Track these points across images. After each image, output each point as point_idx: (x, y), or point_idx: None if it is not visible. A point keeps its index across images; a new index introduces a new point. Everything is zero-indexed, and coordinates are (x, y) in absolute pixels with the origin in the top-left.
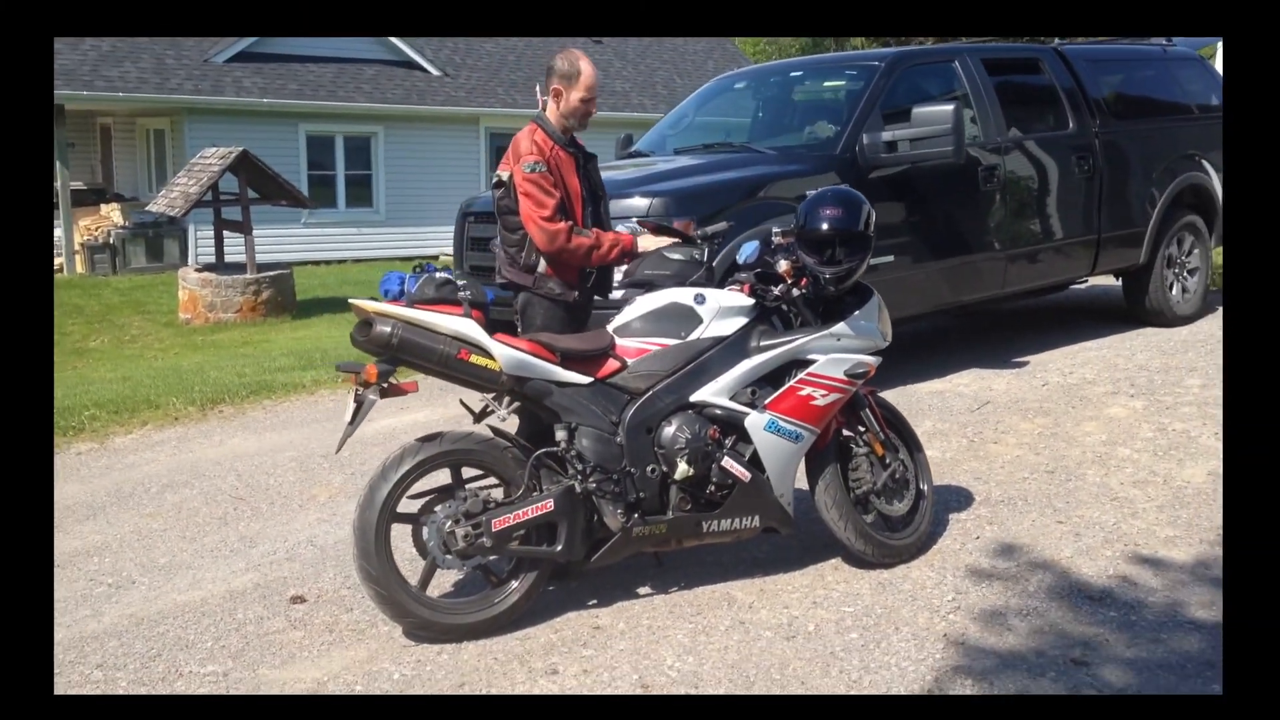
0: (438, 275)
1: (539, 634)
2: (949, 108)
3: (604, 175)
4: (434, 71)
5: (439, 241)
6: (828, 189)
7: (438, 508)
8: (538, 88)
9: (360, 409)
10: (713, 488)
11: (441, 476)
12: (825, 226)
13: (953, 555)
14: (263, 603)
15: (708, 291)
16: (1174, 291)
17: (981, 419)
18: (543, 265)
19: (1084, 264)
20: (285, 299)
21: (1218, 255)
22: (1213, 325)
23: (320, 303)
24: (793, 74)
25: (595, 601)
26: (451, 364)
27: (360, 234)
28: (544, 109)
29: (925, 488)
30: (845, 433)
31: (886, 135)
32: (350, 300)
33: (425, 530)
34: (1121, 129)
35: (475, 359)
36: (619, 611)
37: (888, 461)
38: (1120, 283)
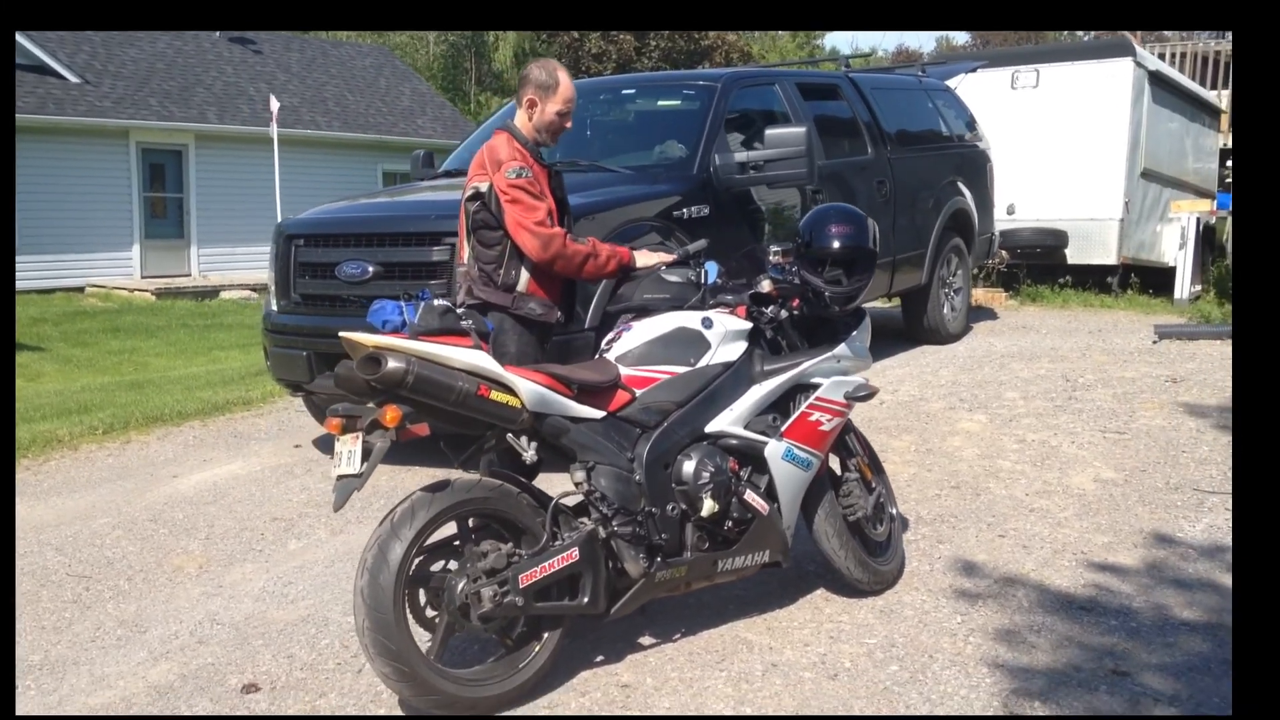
0: (436, 303)
1: (565, 699)
2: (801, 130)
3: (438, 196)
4: (72, 78)
5: (85, 270)
6: (829, 206)
7: (451, 566)
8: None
9: (370, 457)
10: (730, 523)
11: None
12: (836, 245)
13: (928, 577)
14: (205, 695)
15: (714, 315)
16: (945, 310)
17: None
18: (523, 283)
19: (883, 285)
20: None
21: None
22: (977, 341)
23: None
24: (624, 92)
25: (602, 657)
26: (470, 402)
27: None
28: (513, 118)
29: (895, 511)
30: (833, 457)
31: (740, 156)
32: (342, 334)
33: (444, 592)
34: (904, 156)
35: (495, 395)
36: (636, 665)
37: (873, 486)
38: (898, 303)
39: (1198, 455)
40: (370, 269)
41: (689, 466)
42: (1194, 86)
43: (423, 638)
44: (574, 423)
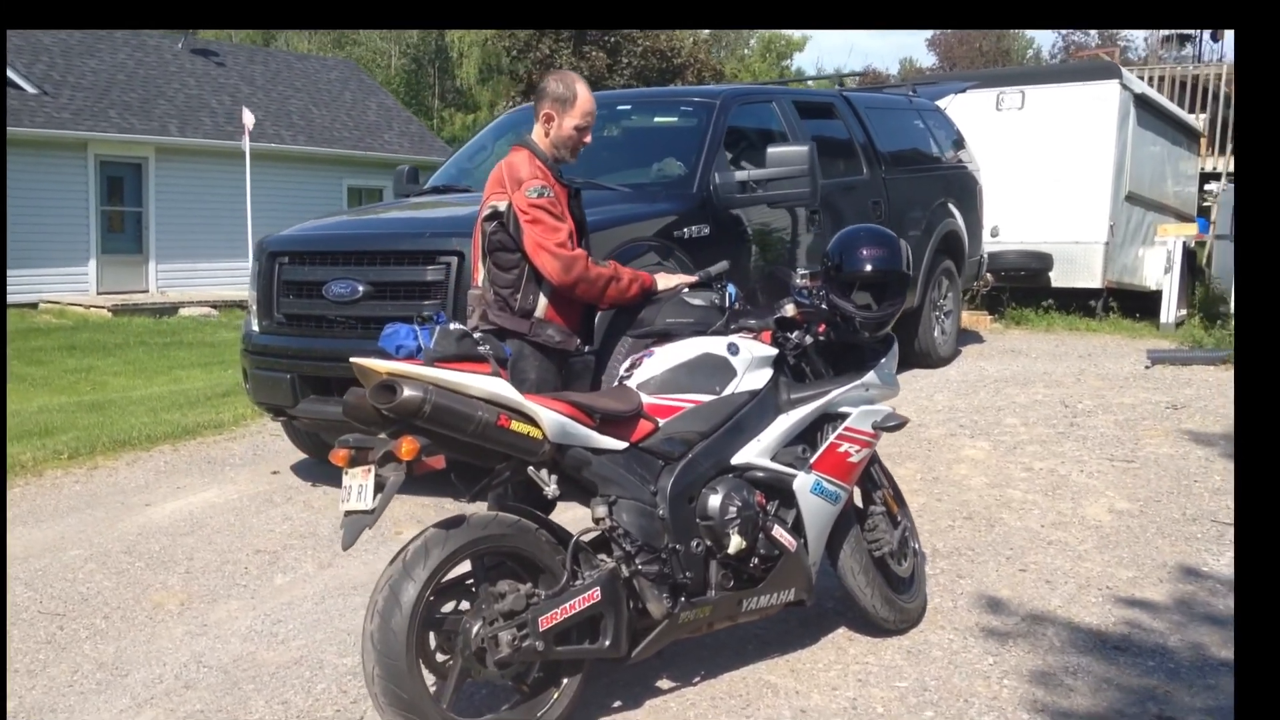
0: (452, 327)
1: None
2: (804, 148)
3: (430, 214)
4: (29, 89)
5: (38, 285)
6: (859, 227)
7: (463, 606)
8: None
9: (383, 492)
10: (756, 560)
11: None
12: (869, 268)
13: (953, 615)
14: None
15: (739, 340)
16: (936, 333)
17: None
18: (541, 308)
19: None
20: None
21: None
22: (968, 365)
23: None
24: (620, 107)
25: (619, 702)
26: (490, 433)
27: None
28: (531, 133)
29: (917, 545)
30: (856, 489)
31: (741, 175)
32: (354, 360)
33: (458, 636)
34: (898, 177)
35: (516, 426)
36: (657, 712)
37: (898, 519)
38: None
39: (1210, 485)
40: (360, 288)
41: (715, 501)
42: (1175, 109)
43: (430, 682)
44: (596, 454)
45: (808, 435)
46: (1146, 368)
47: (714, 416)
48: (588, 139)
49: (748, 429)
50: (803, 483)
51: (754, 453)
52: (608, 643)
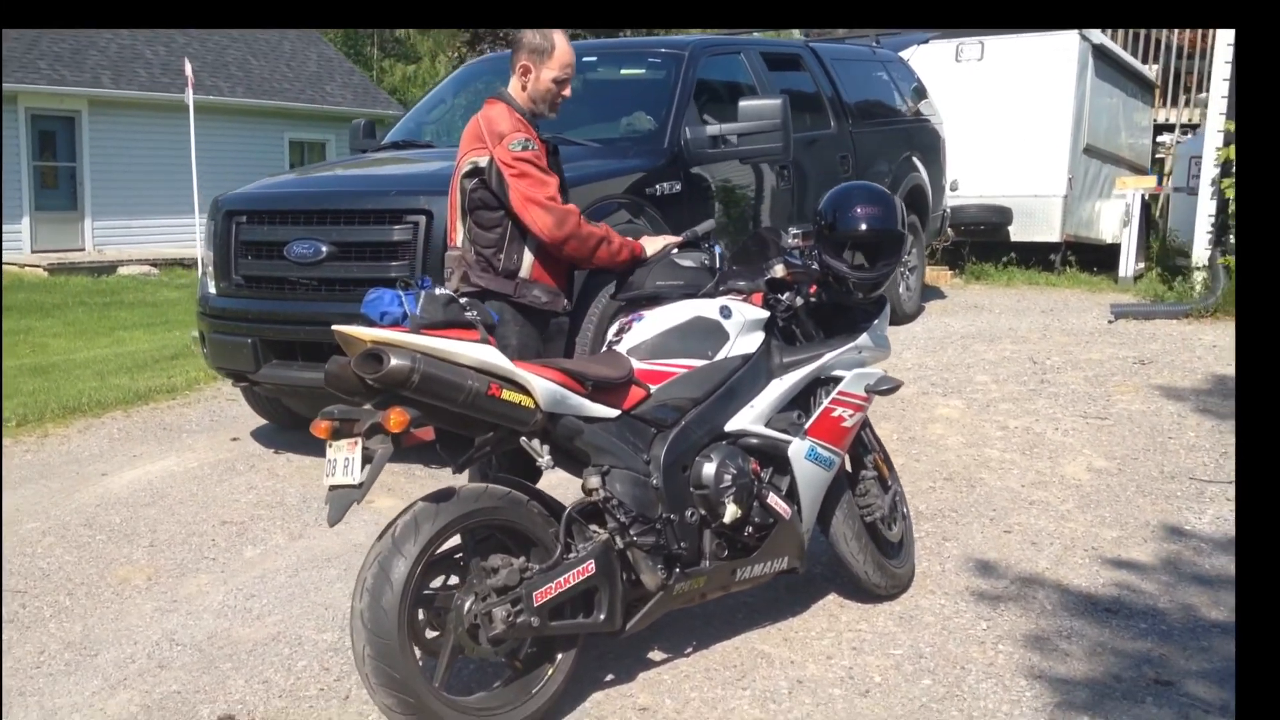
0: (438, 292)
1: None
2: (777, 102)
3: (395, 170)
4: None
5: None
6: (852, 184)
7: (451, 581)
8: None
9: (371, 465)
10: (750, 529)
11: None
12: (864, 227)
13: (942, 579)
14: None
15: (732, 303)
16: (901, 290)
17: None
18: (526, 268)
19: None
20: None
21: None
22: (933, 321)
23: None
24: (585, 59)
25: (612, 676)
26: (480, 403)
27: None
28: (508, 87)
29: (905, 509)
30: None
31: (712, 129)
32: (335, 328)
33: (449, 614)
34: (865, 130)
35: (507, 395)
36: (651, 685)
37: (888, 484)
38: None
39: (1185, 442)
40: (324, 249)
41: (709, 469)
42: (1131, 60)
43: (420, 659)
44: (588, 423)
45: (800, 399)
46: (1110, 322)
47: (707, 382)
48: (567, 92)
49: (741, 394)
50: (797, 449)
51: (748, 419)
52: (602, 616)
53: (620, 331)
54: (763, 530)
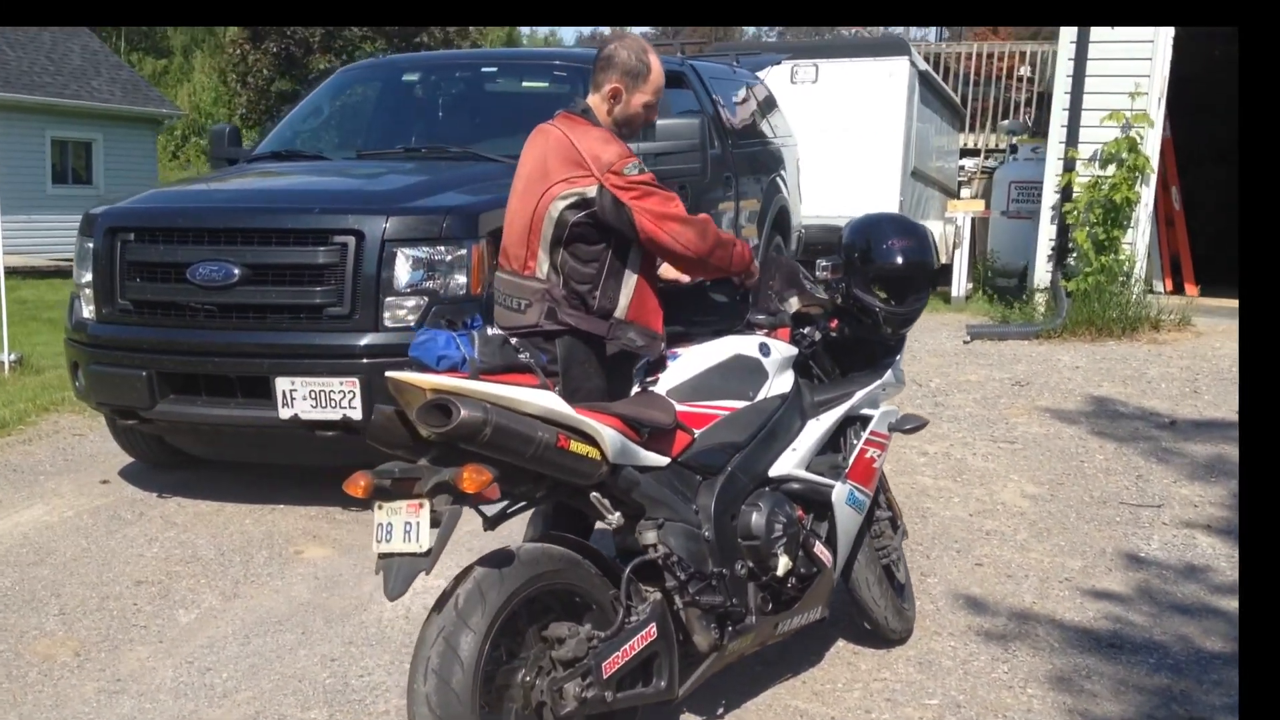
0: (491, 332)
1: None
2: (695, 121)
3: (317, 185)
4: None
5: None
6: (880, 215)
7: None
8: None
9: (440, 530)
10: (794, 580)
11: None
12: (900, 260)
13: (938, 618)
14: None
15: (770, 341)
16: None
17: None
18: (623, 307)
19: None
20: None
21: None
22: None
23: None
24: (485, 69)
25: None
26: (549, 456)
27: None
28: (588, 103)
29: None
30: None
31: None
32: (390, 375)
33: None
34: (741, 150)
35: (575, 446)
36: None
37: (898, 523)
38: None
39: (1097, 465)
40: (236, 271)
41: (758, 518)
42: (945, 87)
43: None
44: (642, 473)
45: (830, 439)
46: (966, 342)
47: (750, 425)
48: (654, 117)
49: (780, 437)
50: (839, 493)
51: (791, 463)
52: (663, 683)
53: (653, 371)
54: (805, 581)
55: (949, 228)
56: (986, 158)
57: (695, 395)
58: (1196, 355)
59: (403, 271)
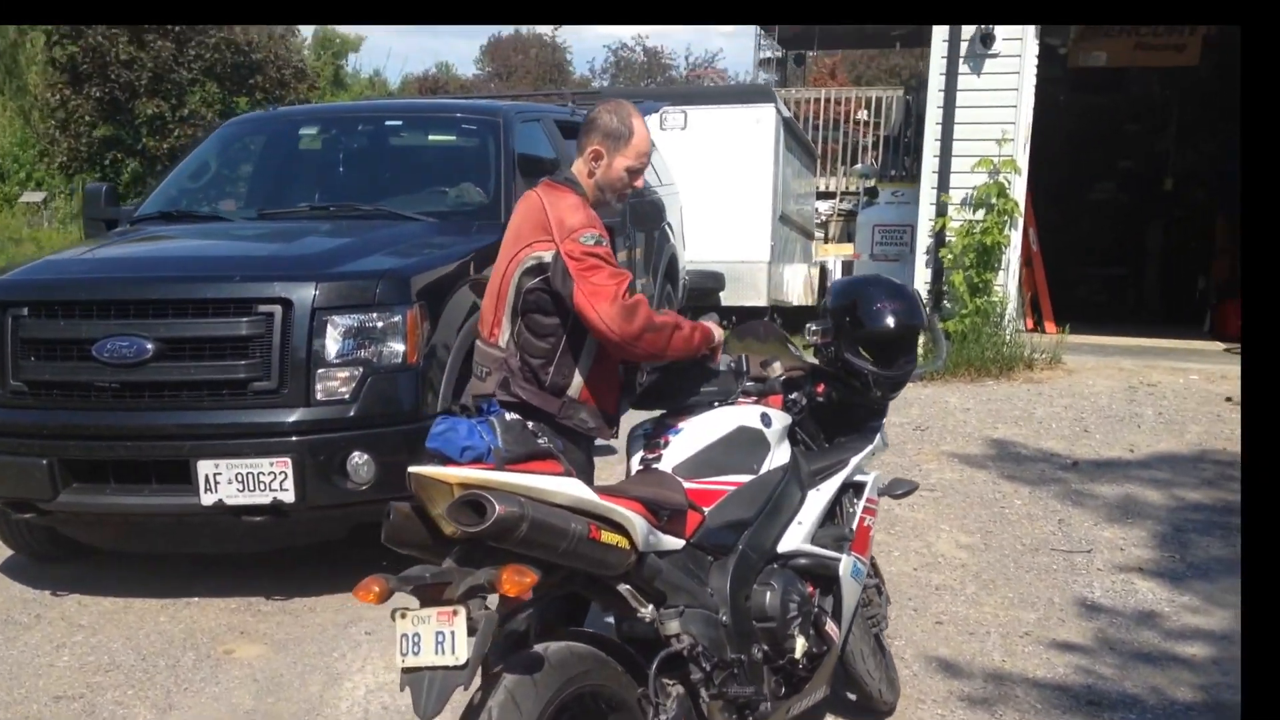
0: (509, 418)
1: None
2: None
3: (178, 250)
4: None
5: None
6: (866, 277)
7: None
8: None
9: (478, 639)
10: (805, 660)
11: None
12: (892, 324)
13: (916, 683)
14: None
15: (769, 410)
16: None
17: None
18: (575, 388)
19: None
20: None
21: None
22: None
23: None
24: (389, 123)
25: None
26: (581, 549)
27: None
28: (573, 169)
29: None
30: None
31: None
32: (413, 470)
33: None
34: (635, 199)
35: (606, 536)
36: None
37: (882, 589)
38: None
39: (1017, 510)
40: (149, 346)
41: (773, 599)
42: (803, 132)
43: None
44: (661, 558)
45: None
46: None
47: (756, 499)
48: (639, 183)
49: (784, 510)
50: (845, 566)
51: (799, 538)
52: None
53: (651, 446)
54: (815, 660)
55: (813, 270)
56: (842, 200)
57: (701, 471)
58: (1074, 393)
59: (334, 341)
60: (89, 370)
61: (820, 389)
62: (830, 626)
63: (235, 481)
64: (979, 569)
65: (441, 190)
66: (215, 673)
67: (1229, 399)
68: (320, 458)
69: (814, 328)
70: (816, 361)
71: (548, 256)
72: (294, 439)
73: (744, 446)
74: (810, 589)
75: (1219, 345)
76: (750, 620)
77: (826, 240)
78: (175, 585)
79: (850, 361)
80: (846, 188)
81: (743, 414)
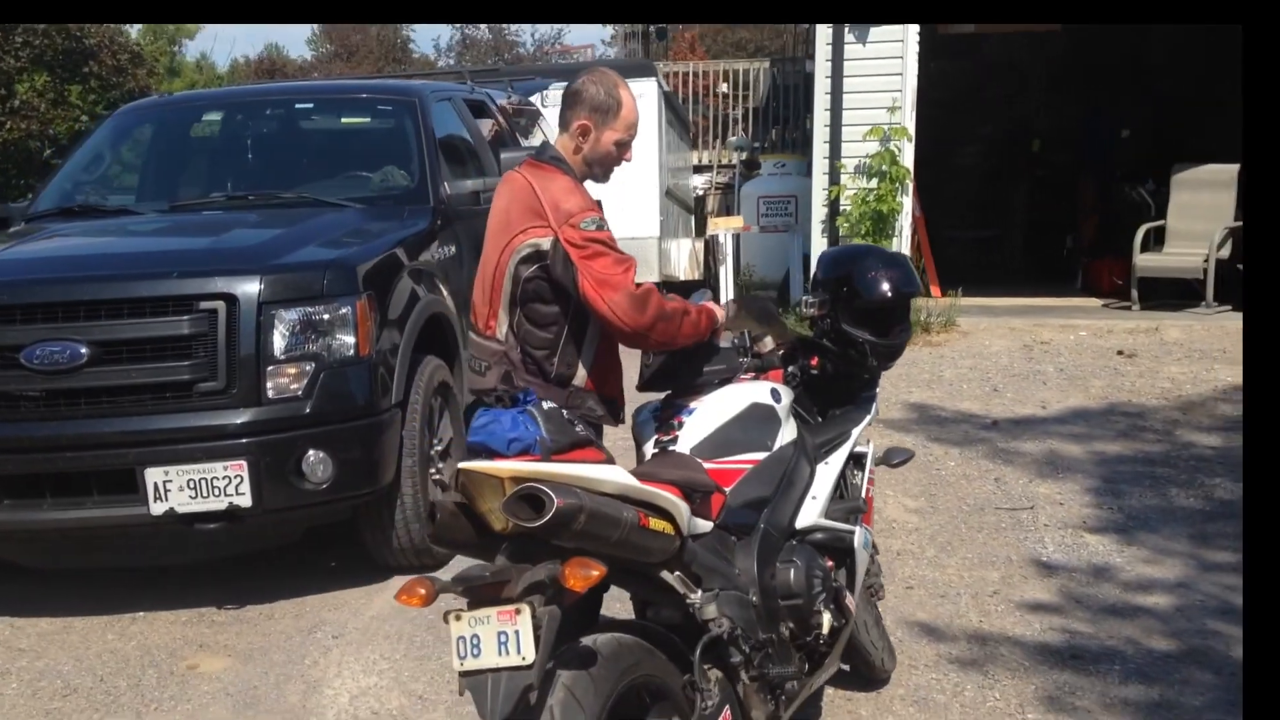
0: (546, 406)
1: None
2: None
3: (102, 246)
4: None
5: None
6: (859, 247)
7: None
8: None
9: (543, 636)
10: (825, 636)
11: None
12: (889, 293)
13: (904, 649)
14: None
15: (779, 386)
16: None
17: None
18: (580, 377)
19: None
20: None
21: None
22: None
23: None
24: (299, 106)
25: None
26: (633, 537)
27: None
28: (556, 145)
29: None
30: None
31: (471, 184)
32: (464, 465)
33: None
34: None
35: (654, 524)
36: None
37: (874, 557)
38: None
39: (953, 471)
40: (84, 350)
41: (797, 576)
42: (680, 107)
43: None
44: (695, 540)
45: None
46: None
47: (773, 476)
48: (628, 156)
49: (797, 485)
50: (859, 538)
51: (815, 512)
52: None
53: (664, 427)
54: (835, 635)
55: (698, 244)
56: (719, 174)
57: (719, 450)
58: (975, 354)
59: (282, 337)
60: (17, 379)
61: (814, 361)
62: (849, 599)
63: (187, 488)
64: (933, 532)
65: (362, 175)
66: (184, 690)
67: (1120, 352)
68: (276, 459)
69: (810, 300)
70: (808, 334)
71: (545, 243)
72: (246, 440)
73: (758, 423)
74: (829, 563)
75: (1096, 301)
76: (777, 599)
77: (704, 214)
78: (116, 600)
79: (848, 332)
80: (721, 161)
81: (754, 390)
